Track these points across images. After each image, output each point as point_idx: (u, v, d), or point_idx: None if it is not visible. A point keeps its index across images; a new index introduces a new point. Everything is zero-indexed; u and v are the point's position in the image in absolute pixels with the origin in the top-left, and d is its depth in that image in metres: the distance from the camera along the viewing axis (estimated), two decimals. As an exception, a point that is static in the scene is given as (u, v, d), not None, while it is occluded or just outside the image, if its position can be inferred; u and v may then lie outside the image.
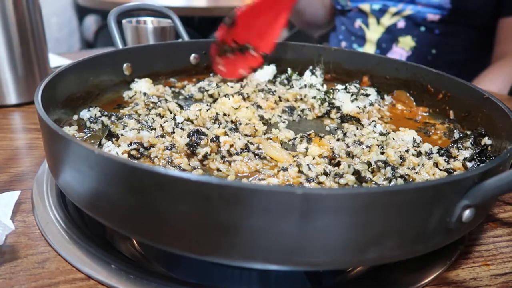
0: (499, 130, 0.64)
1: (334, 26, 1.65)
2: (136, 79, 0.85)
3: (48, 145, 0.53)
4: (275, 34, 0.90)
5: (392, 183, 0.54)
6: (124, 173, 0.41)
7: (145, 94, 0.80)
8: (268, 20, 0.88)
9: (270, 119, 0.74)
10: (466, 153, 0.64)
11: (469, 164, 0.61)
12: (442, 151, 0.63)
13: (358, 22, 1.51)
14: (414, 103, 0.86)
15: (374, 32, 1.48)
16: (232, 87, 0.85)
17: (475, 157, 0.63)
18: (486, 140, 0.65)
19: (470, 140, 0.68)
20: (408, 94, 0.88)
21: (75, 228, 0.55)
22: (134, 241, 0.59)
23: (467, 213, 0.42)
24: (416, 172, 0.58)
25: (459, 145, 0.66)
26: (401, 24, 1.41)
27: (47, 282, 0.47)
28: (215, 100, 0.81)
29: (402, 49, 1.43)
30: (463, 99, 0.76)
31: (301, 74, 0.97)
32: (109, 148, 0.58)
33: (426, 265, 0.52)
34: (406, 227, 0.42)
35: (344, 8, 1.55)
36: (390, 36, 1.45)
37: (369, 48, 1.51)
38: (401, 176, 0.55)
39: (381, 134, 0.67)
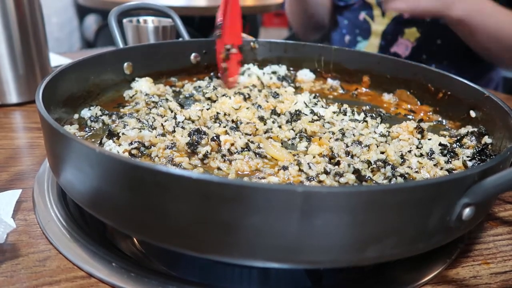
0: (499, 129, 0.64)
1: (337, 23, 1.64)
2: (136, 78, 0.85)
3: (49, 144, 0.53)
4: (238, 24, 0.92)
5: (392, 182, 0.54)
6: (125, 171, 0.41)
7: (146, 94, 0.80)
8: (231, 12, 0.91)
9: (268, 119, 0.74)
10: (468, 152, 0.64)
11: (469, 163, 0.61)
12: (446, 151, 0.63)
13: (363, 15, 1.50)
14: (418, 102, 0.86)
15: (379, 24, 1.46)
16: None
17: (475, 156, 0.63)
18: (486, 139, 0.65)
19: (473, 138, 0.68)
20: (409, 93, 0.88)
21: (76, 227, 0.55)
22: (135, 239, 0.59)
23: (467, 211, 0.42)
24: (416, 171, 0.58)
25: (465, 140, 0.67)
26: (407, 14, 1.40)
27: (48, 280, 0.47)
28: (214, 101, 0.81)
29: (407, 40, 1.42)
30: (463, 98, 0.76)
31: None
32: (110, 147, 0.58)
33: (426, 263, 0.52)
34: (407, 225, 0.42)
35: (348, 3, 1.54)
36: (396, 27, 1.43)
37: (374, 40, 1.49)
38: (401, 175, 0.55)
39: (382, 135, 0.67)
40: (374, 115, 0.75)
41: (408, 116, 0.81)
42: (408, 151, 0.63)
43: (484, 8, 1.18)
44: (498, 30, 1.19)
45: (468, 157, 0.63)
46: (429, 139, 0.66)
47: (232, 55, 0.90)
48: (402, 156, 0.61)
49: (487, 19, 1.18)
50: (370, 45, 1.50)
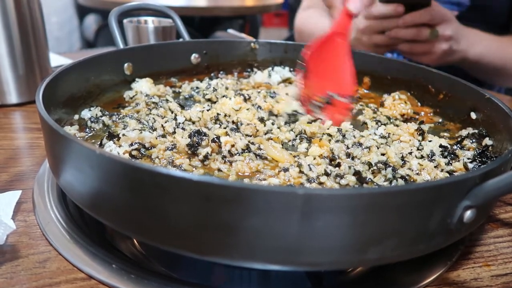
0: (500, 131, 0.64)
1: None
2: (137, 79, 0.85)
3: (49, 144, 0.53)
4: (350, 73, 0.82)
5: (393, 183, 0.54)
6: (125, 173, 0.41)
7: (146, 95, 0.80)
8: (335, 62, 0.83)
9: (268, 120, 0.74)
10: (469, 154, 0.64)
11: (470, 165, 0.61)
12: (446, 153, 0.63)
13: None
14: (419, 104, 0.86)
15: None
16: (227, 88, 0.85)
17: (476, 158, 0.63)
18: (487, 141, 0.65)
19: (474, 140, 0.68)
20: (409, 94, 0.88)
21: (76, 228, 0.55)
22: (135, 241, 0.59)
23: (468, 213, 0.42)
24: (417, 173, 0.58)
25: (465, 142, 0.67)
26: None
27: (48, 281, 0.47)
28: (215, 102, 0.81)
29: None
30: (463, 99, 0.76)
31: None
32: (110, 148, 0.58)
33: (427, 266, 0.52)
34: (407, 227, 0.42)
35: None
36: None
37: None
38: (402, 177, 0.55)
39: (382, 137, 0.67)
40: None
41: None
42: (408, 153, 0.62)
43: (492, 46, 1.27)
44: (504, 63, 1.30)
45: (468, 159, 0.63)
46: (430, 141, 0.66)
47: (336, 102, 0.79)
48: (402, 158, 0.61)
49: (495, 56, 1.27)
50: None
